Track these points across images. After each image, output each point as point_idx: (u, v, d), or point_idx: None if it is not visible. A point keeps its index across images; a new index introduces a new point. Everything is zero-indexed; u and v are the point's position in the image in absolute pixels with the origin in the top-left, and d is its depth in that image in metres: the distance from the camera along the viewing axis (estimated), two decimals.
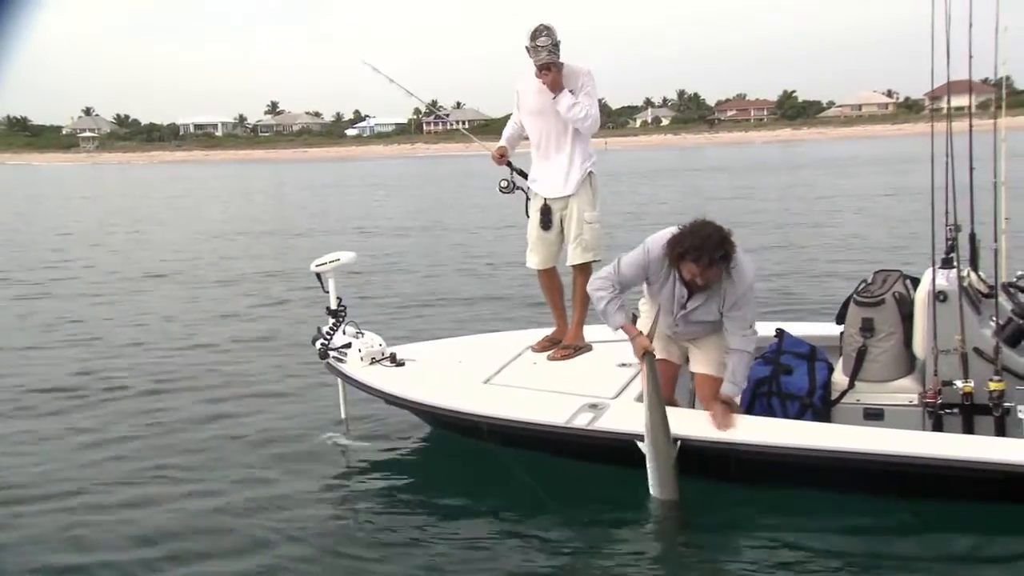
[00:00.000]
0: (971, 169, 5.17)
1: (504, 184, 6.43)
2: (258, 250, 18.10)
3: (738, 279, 4.90)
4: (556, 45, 5.96)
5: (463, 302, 11.51)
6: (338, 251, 6.38)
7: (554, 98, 6.02)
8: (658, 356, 5.16)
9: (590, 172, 6.21)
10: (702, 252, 4.72)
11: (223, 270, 15.30)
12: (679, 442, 4.82)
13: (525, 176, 6.42)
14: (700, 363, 5.20)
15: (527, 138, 6.40)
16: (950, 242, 5.30)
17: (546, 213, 6.28)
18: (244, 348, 9.33)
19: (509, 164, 6.39)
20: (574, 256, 6.25)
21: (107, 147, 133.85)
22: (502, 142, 6.42)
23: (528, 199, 6.45)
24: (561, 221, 6.29)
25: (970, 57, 4.81)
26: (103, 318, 11.31)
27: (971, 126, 5.12)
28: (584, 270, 6.30)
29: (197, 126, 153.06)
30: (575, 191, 6.20)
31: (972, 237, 5.52)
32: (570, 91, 6.04)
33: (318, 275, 6.24)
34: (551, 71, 5.99)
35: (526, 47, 6.01)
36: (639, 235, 5.26)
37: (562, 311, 6.57)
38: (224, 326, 10.55)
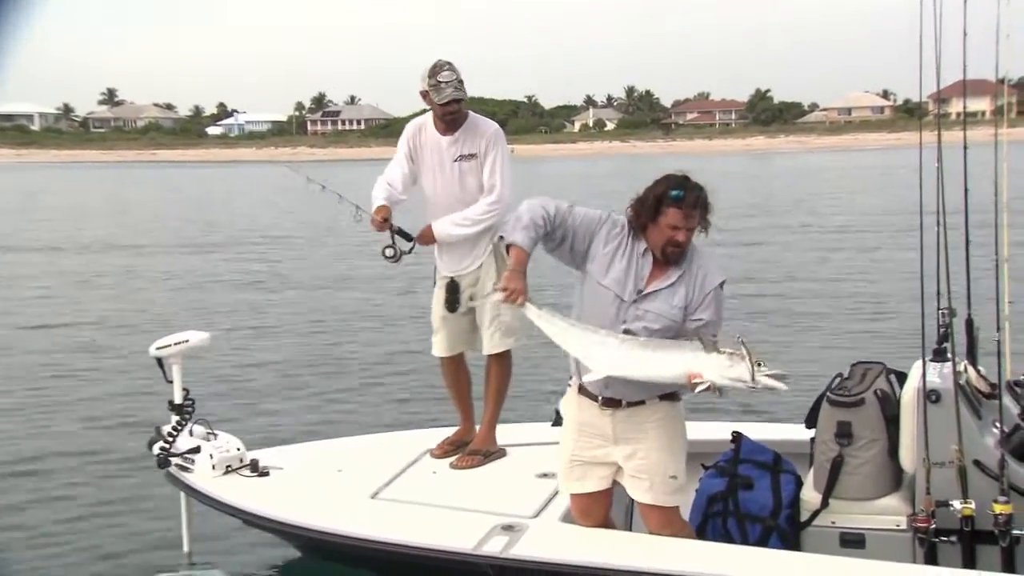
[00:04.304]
0: (967, 242, 5.30)
1: (390, 253, 6.34)
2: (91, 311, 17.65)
3: (708, 269, 4.91)
4: (461, 82, 6.13)
5: (344, 392, 11.44)
6: (186, 330, 6.38)
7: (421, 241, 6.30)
8: (579, 490, 5.17)
9: (501, 236, 6.24)
10: (686, 188, 4.77)
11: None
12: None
13: (408, 238, 6.40)
14: (640, 490, 5.07)
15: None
16: (943, 329, 5.41)
17: (452, 291, 6.36)
18: (58, 449, 9.22)
19: (391, 228, 6.33)
20: (491, 343, 6.35)
21: None
22: (381, 199, 6.33)
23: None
24: (472, 298, 6.35)
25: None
26: None
27: (967, 200, 5.26)
28: (503, 359, 6.42)
29: (4, 117, 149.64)
30: (484, 264, 6.31)
31: (969, 323, 5.66)
32: (470, 155, 6.23)
33: (159, 360, 6.20)
34: (458, 110, 6.15)
35: (421, 91, 6.16)
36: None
37: (469, 408, 6.64)
38: (36, 414, 10.43)
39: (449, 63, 6.12)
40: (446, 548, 5.18)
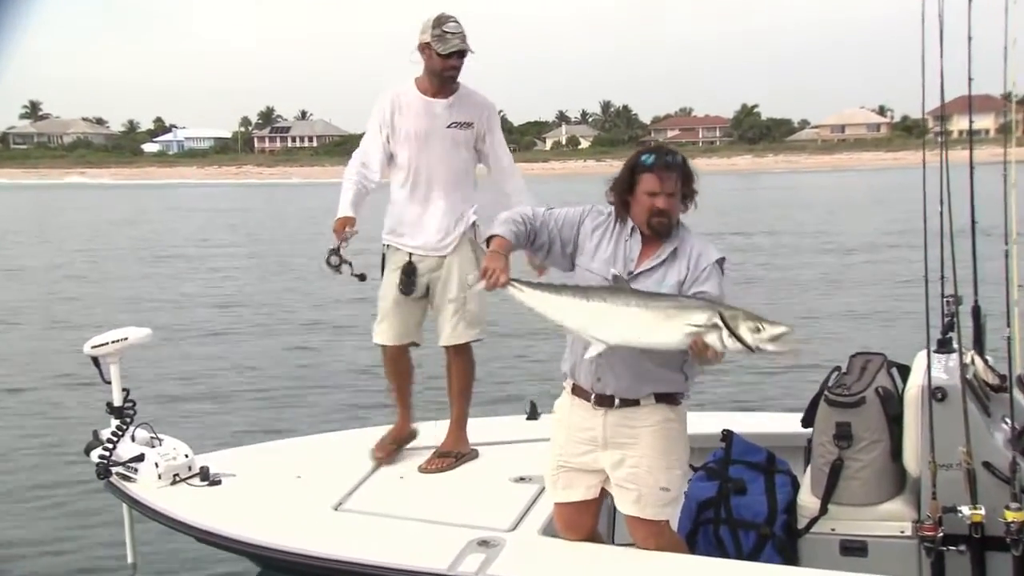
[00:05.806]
0: (973, 224, 5.36)
1: (335, 261, 6.19)
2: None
3: (702, 249, 4.99)
4: (466, 37, 6.15)
5: (297, 389, 11.51)
6: (125, 327, 6.33)
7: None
8: (565, 499, 5.19)
9: (474, 223, 6.36)
10: (659, 152, 4.97)
11: None
12: None
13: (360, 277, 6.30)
14: (627, 501, 5.05)
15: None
16: (948, 318, 5.45)
17: (410, 273, 6.36)
18: None
19: (346, 241, 6.20)
20: (453, 333, 6.36)
21: None
22: (348, 210, 6.24)
23: (384, 258, 6.51)
24: (428, 286, 6.40)
25: (969, 82, 5.04)
26: None
27: (972, 179, 5.33)
28: (464, 352, 6.44)
29: None
30: (455, 248, 6.34)
31: (976, 311, 5.73)
32: (466, 123, 6.34)
33: (95, 359, 6.16)
34: (460, 66, 6.20)
35: (420, 44, 6.18)
36: None
37: (407, 402, 6.66)
38: None
39: (454, 16, 6.12)
40: (418, 568, 5.16)
